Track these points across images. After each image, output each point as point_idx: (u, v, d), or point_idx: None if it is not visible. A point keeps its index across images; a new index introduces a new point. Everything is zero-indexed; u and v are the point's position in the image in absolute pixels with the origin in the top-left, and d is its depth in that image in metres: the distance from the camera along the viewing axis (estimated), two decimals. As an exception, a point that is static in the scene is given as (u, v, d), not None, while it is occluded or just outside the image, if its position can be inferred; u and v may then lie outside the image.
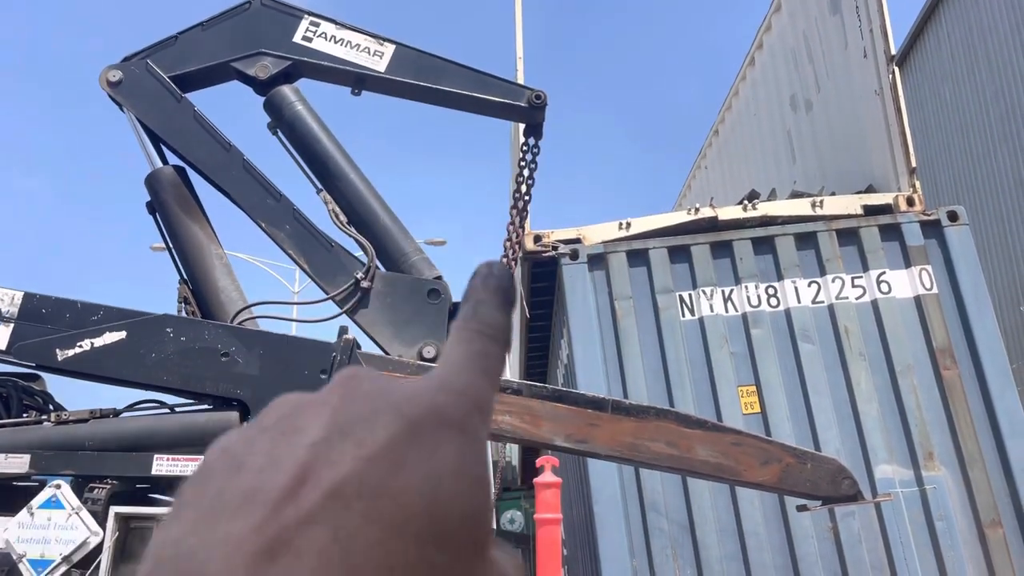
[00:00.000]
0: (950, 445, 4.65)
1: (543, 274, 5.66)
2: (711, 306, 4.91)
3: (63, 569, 3.58)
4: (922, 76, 15.64)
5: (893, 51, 5.39)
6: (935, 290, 4.93)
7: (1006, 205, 12.97)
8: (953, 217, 5.06)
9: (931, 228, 5.09)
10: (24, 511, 3.68)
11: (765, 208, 5.21)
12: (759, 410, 4.69)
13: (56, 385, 4.55)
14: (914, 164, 5.28)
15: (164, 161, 4.73)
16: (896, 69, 5.43)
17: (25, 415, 4.21)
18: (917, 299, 4.93)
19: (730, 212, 5.20)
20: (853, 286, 4.94)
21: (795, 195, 5.68)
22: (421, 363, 4.16)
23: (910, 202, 5.16)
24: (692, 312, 4.92)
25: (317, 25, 4.79)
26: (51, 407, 4.35)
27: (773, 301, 4.92)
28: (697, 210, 5.14)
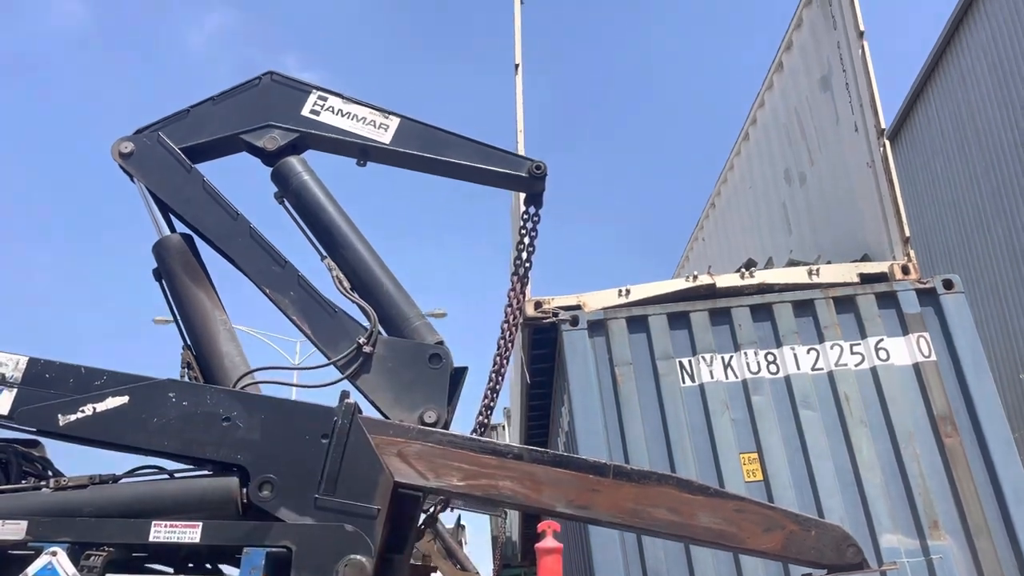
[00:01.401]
0: (955, 514, 4.61)
1: (544, 340, 5.70)
2: (711, 372, 4.93)
3: (55, 640, 3.50)
4: (913, 152, 15.98)
5: (883, 124, 5.56)
6: (933, 357, 4.96)
7: (1001, 278, 13.08)
8: (948, 285, 5.13)
9: (927, 296, 5.16)
10: (19, 578, 3.62)
11: (762, 276, 5.29)
12: (761, 477, 4.67)
13: (53, 451, 4.54)
14: (908, 233, 5.39)
15: (172, 229, 4.84)
16: (887, 142, 5.59)
17: (24, 481, 4.18)
18: (916, 366, 4.96)
19: (728, 280, 5.27)
20: (852, 353, 4.98)
21: (792, 263, 5.77)
22: (422, 428, 4.17)
23: (905, 270, 5.25)
24: (692, 378, 4.94)
25: (324, 99, 4.94)
26: (50, 473, 4.33)
27: (772, 368, 4.95)
28: (695, 277, 5.22)
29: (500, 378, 5.25)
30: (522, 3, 7.48)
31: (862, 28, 5.76)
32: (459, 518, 8.41)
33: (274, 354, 21.57)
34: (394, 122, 4.90)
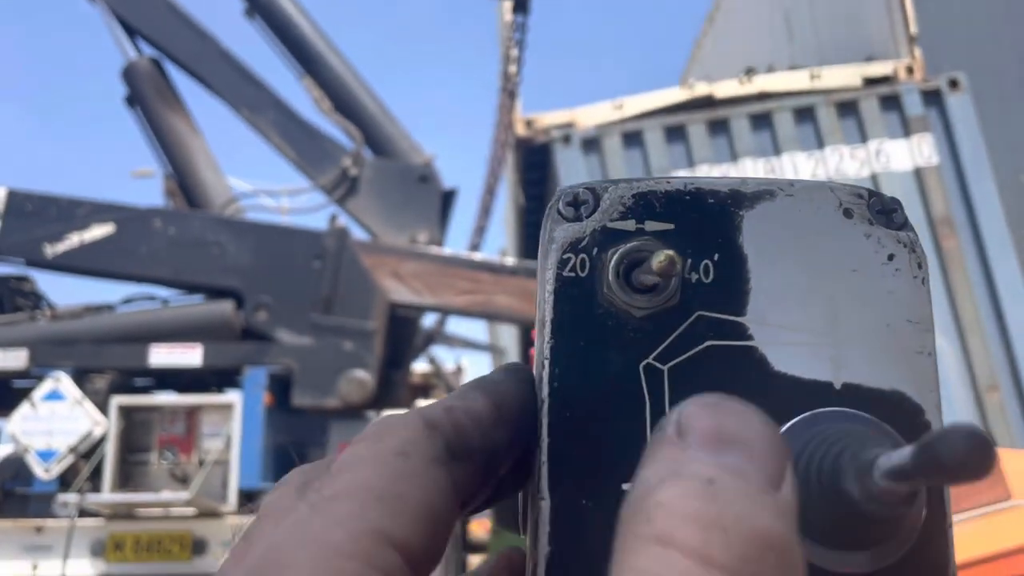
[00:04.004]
0: (948, 313, 4.66)
1: (536, 161, 5.58)
2: (707, 183, 4.84)
3: (70, 460, 3.62)
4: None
5: (894, -88, 5.16)
6: (935, 159, 4.85)
7: (1008, 86, 12.63)
8: (954, 84, 4.94)
9: (931, 97, 4.98)
10: (26, 403, 3.70)
11: (762, 83, 5.08)
12: (758, 288, 4.69)
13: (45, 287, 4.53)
14: (914, 31, 5.12)
15: (141, 54, 4.60)
16: (897, -69, 5.21)
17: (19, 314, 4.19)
18: (917, 169, 4.86)
19: (726, 88, 5.07)
20: (852, 158, 4.86)
21: (793, 67, 5.53)
22: (415, 247, 4.13)
23: (910, 71, 5.03)
24: (688, 190, 4.86)
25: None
26: (45, 304, 4.34)
27: (772, 177, 4.86)
28: (693, 86, 5.02)
29: (492, 198, 5.15)
30: None
31: None
32: (459, 360, 8.60)
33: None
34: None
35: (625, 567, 0.20)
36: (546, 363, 0.33)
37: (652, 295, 0.33)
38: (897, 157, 4.89)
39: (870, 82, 5.07)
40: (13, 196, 4.09)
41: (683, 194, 0.35)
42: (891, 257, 0.35)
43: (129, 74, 4.57)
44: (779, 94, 5.08)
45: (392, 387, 4.08)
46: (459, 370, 8.66)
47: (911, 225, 0.36)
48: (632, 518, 0.21)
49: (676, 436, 0.23)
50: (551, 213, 0.35)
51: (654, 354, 0.33)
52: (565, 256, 0.34)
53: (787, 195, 0.35)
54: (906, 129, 4.89)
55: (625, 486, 0.30)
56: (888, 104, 4.96)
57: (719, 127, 5.00)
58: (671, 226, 0.34)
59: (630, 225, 0.34)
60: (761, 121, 4.99)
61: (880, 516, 0.27)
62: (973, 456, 0.22)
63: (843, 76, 5.09)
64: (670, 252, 0.32)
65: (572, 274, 0.34)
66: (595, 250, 0.34)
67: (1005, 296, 4.62)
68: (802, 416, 0.31)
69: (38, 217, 4.05)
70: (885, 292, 0.34)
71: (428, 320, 4.89)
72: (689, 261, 0.34)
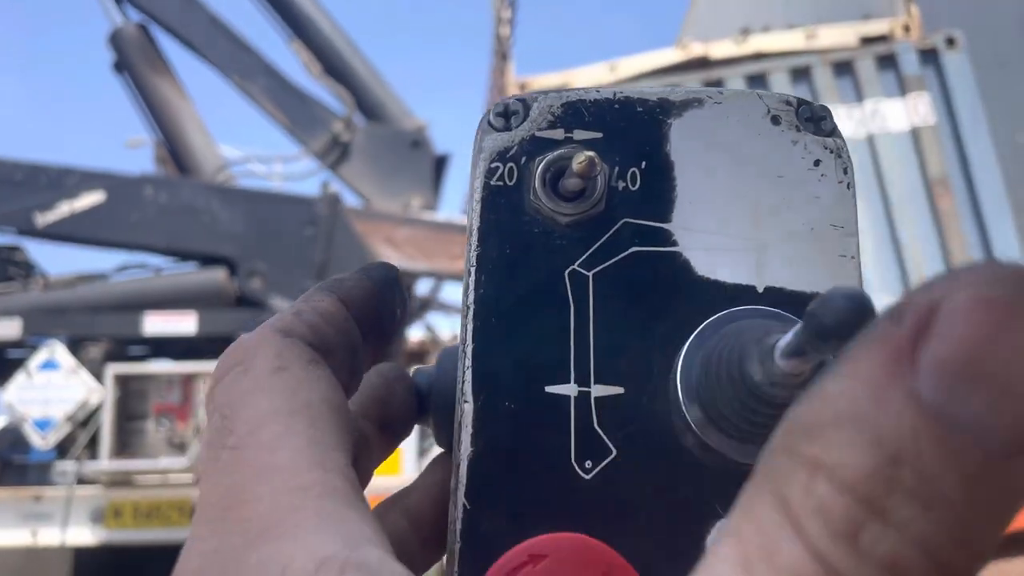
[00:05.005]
0: (942, 272, 4.66)
1: (530, 125, 5.53)
2: (702, 145, 4.82)
3: (67, 428, 3.63)
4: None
5: None
6: (931, 119, 4.82)
7: (1008, 48, 12.52)
8: (951, 43, 4.88)
9: (928, 56, 4.93)
10: (21, 372, 3.70)
11: (758, 43, 5.03)
12: (752, 248, 4.67)
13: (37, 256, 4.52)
14: (912, -12, 5.06)
15: (128, 20, 4.54)
16: None
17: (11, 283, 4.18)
18: (913, 129, 4.83)
19: (722, 48, 5.02)
20: (848, 118, 4.83)
21: (790, 27, 5.47)
22: (408, 213, 4.11)
23: (907, 29, 4.98)
24: (683, 153, 4.83)
25: None
26: (37, 273, 4.33)
27: (766, 138, 4.82)
28: (687, 46, 4.97)
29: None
30: None
31: None
32: (454, 326, 8.60)
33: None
34: None
35: (763, 475, 0.17)
36: (472, 270, 0.33)
37: (578, 202, 0.33)
38: (893, 117, 4.85)
39: (866, 41, 5.02)
40: (2, 166, 4.06)
41: (612, 103, 0.34)
42: (817, 163, 0.35)
43: (116, 40, 4.51)
44: (775, 54, 5.03)
45: (387, 354, 4.09)
46: (455, 337, 8.70)
47: (839, 132, 0.35)
48: (793, 426, 0.17)
49: (907, 340, 0.16)
50: (482, 124, 0.34)
51: (579, 260, 0.33)
52: (493, 165, 0.34)
53: (715, 103, 0.35)
54: (902, 88, 4.85)
55: (548, 388, 0.31)
56: (884, 63, 4.91)
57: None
58: (599, 135, 0.34)
59: (558, 134, 0.34)
60: (756, 82, 4.94)
61: (784, 400, 0.27)
62: (852, 315, 0.22)
63: (839, 35, 5.04)
64: (590, 153, 0.32)
65: (500, 183, 0.34)
66: (523, 159, 0.34)
67: (1000, 254, 4.62)
68: (719, 314, 0.32)
69: (28, 186, 4.03)
70: (810, 197, 0.34)
71: (423, 286, 4.89)
72: (616, 169, 0.34)
